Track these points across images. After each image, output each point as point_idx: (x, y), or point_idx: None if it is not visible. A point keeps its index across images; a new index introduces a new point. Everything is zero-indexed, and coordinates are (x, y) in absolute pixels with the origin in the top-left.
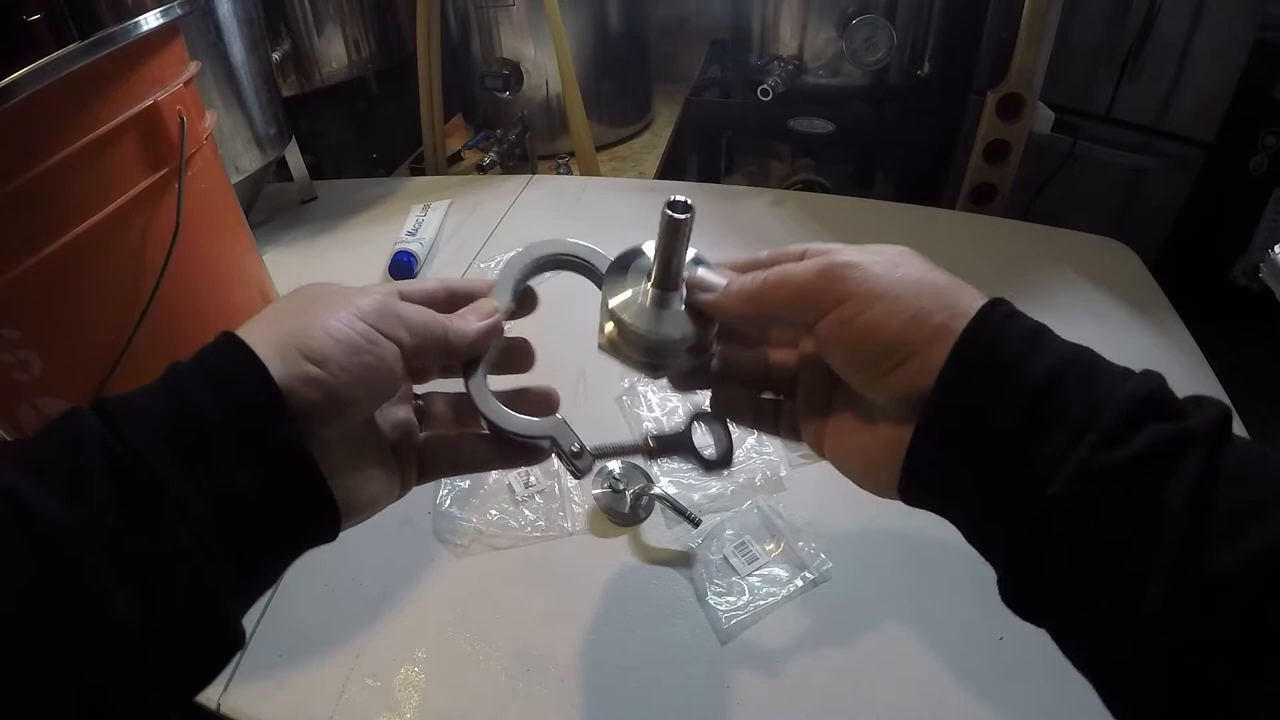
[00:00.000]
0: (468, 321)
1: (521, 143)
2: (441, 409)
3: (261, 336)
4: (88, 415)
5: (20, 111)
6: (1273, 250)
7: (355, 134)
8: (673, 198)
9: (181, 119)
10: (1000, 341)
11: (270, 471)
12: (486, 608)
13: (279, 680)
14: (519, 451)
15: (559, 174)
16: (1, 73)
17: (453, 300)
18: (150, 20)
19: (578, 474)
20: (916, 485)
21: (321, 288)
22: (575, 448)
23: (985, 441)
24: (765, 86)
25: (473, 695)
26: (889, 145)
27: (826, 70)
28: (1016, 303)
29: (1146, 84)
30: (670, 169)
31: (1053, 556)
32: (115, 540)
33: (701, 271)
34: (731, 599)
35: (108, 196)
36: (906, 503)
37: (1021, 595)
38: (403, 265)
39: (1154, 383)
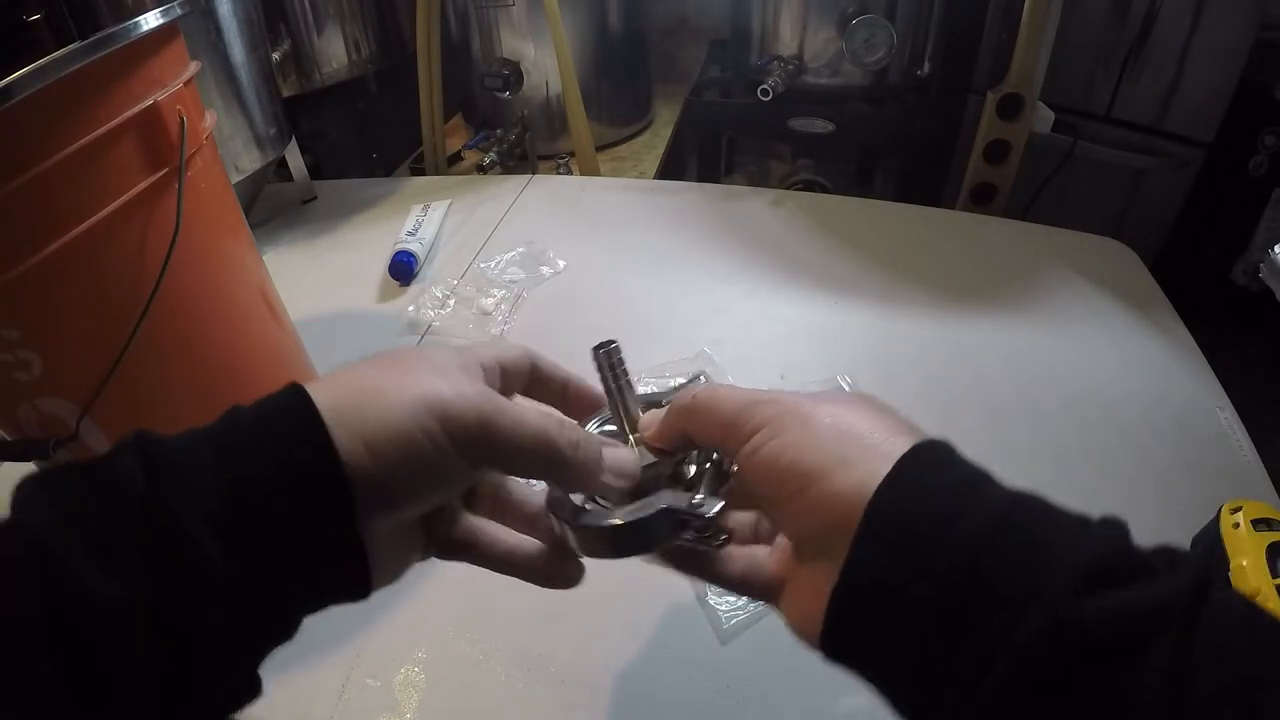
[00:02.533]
0: (599, 464)
1: (521, 143)
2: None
3: (324, 394)
4: (133, 470)
5: (20, 111)
6: (1273, 250)
7: (355, 134)
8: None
9: (181, 119)
10: (920, 498)
11: (317, 550)
12: (486, 608)
13: (279, 680)
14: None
15: (559, 174)
16: (1, 73)
17: (569, 402)
18: (150, 20)
19: (713, 538)
20: (835, 647)
21: (413, 360)
22: (697, 500)
23: (902, 622)
24: (765, 86)
25: (473, 695)
26: (889, 145)
27: (826, 70)
28: (1017, 303)
29: (1146, 84)
30: (670, 169)
31: None
32: (148, 609)
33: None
34: (731, 599)
35: (108, 196)
36: (829, 659)
37: None
38: (403, 265)
39: (1111, 543)
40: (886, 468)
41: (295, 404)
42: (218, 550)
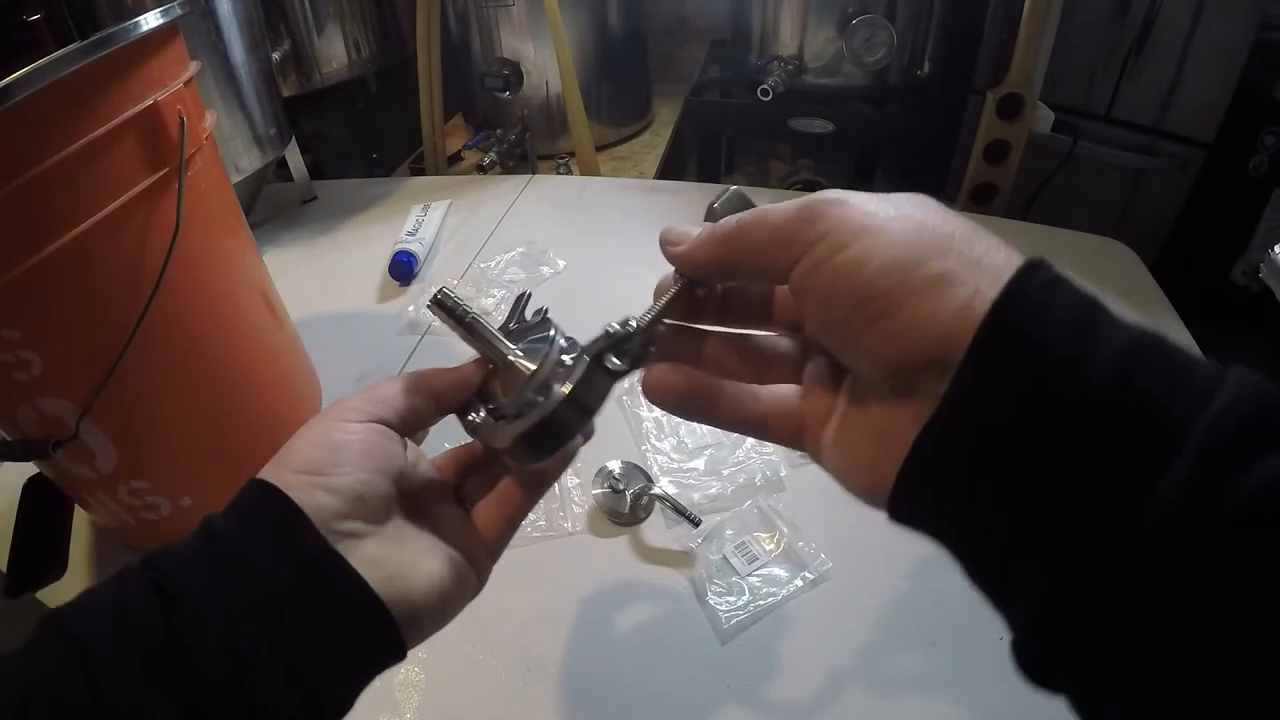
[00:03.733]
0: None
1: (521, 143)
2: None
3: (270, 476)
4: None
5: (20, 111)
6: (1273, 250)
7: (355, 134)
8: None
9: (181, 119)
10: (1044, 320)
11: (297, 570)
12: (486, 608)
13: None
14: (532, 444)
15: (559, 174)
16: (1, 73)
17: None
18: (150, 20)
19: (639, 362)
20: (914, 499)
21: (310, 423)
22: (633, 325)
23: (1024, 460)
24: (765, 86)
25: (473, 695)
26: (889, 145)
27: (826, 70)
28: None
29: (1146, 84)
30: (670, 169)
31: (1113, 623)
32: (152, 659)
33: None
34: (731, 599)
35: (108, 196)
36: (896, 519)
37: (1051, 659)
38: (403, 265)
39: (1262, 390)
40: (994, 286)
41: (248, 484)
42: (210, 592)
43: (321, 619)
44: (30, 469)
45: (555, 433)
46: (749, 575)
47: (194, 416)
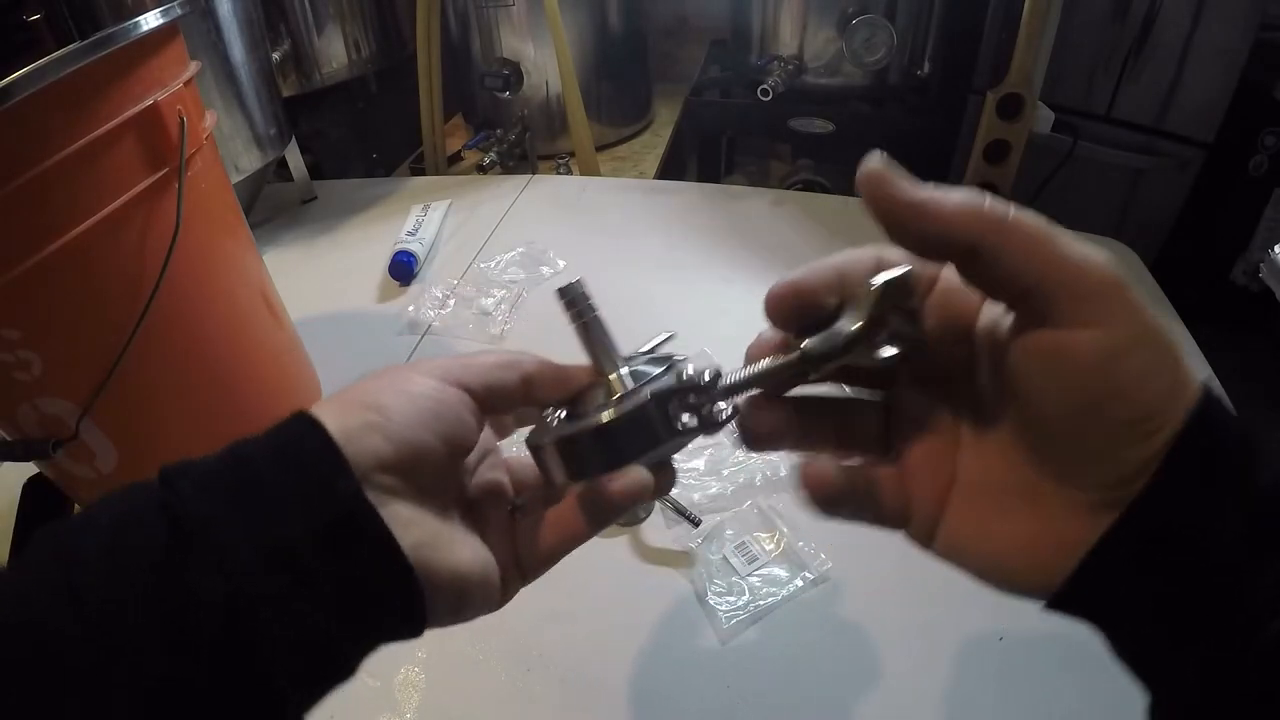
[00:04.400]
0: (538, 361)
1: (521, 143)
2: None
3: (326, 405)
4: (147, 487)
5: (20, 111)
6: (1273, 250)
7: (355, 134)
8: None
9: (181, 119)
10: (1226, 432)
11: (326, 521)
12: None
13: None
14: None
15: (559, 174)
16: (1, 73)
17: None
18: (150, 20)
19: (713, 426)
20: (1088, 594)
21: (390, 367)
22: (707, 377)
23: (1201, 557)
24: (765, 86)
25: (473, 695)
26: (889, 145)
27: (826, 70)
28: None
29: (1146, 84)
30: (670, 169)
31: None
32: (154, 589)
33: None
34: (731, 599)
35: (108, 196)
36: (1054, 608)
37: None
38: (403, 265)
39: None
40: (1185, 397)
41: (292, 415)
42: (222, 520)
43: (343, 580)
44: (30, 469)
45: (588, 454)
46: (749, 575)
47: (194, 416)
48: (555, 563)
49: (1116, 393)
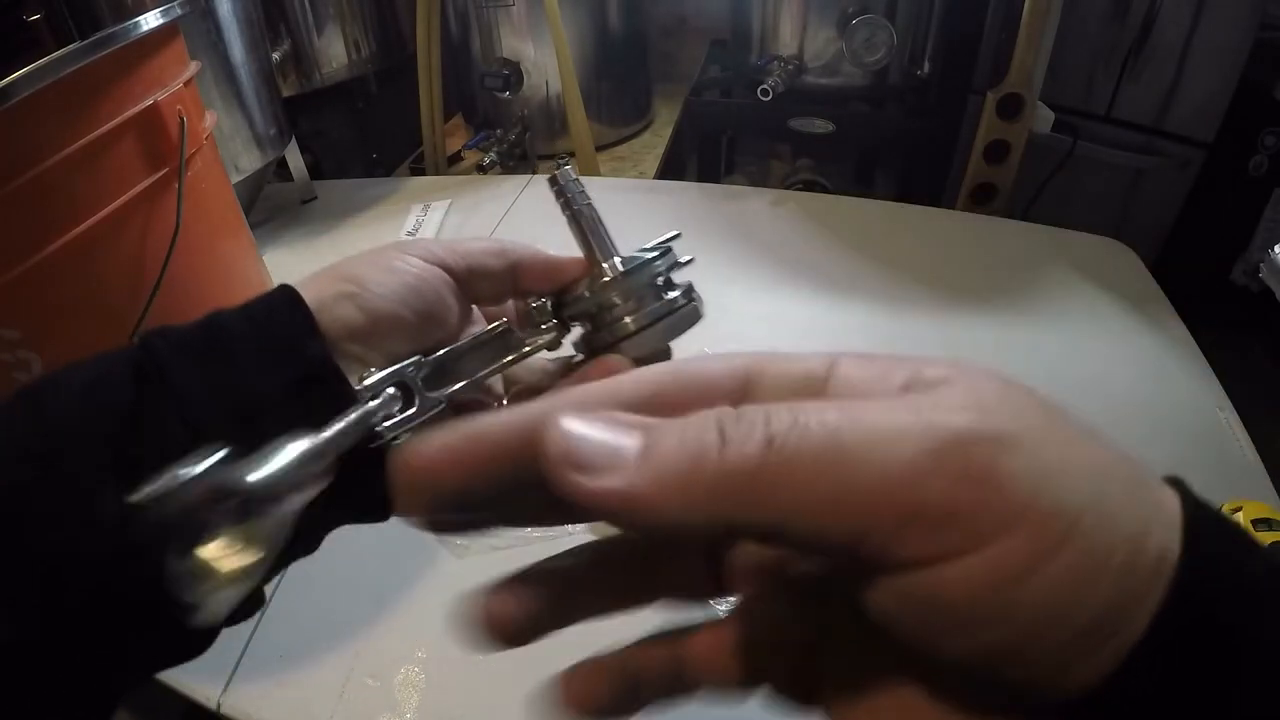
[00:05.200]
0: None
1: (521, 143)
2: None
3: (308, 279)
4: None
5: (20, 111)
6: (1273, 250)
7: (355, 134)
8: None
9: (181, 119)
10: (1224, 587)
11: (293, 379)
12: None
13: (279, 680)
14: None
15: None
16: (1, 73)
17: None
18: (150, 20)
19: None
20: None
21: (376, 248)
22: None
23: None
24: (765, 86)
25: (473, 695)
26: (889, 145)
27: (826, 70)
28: (1016, 303)
29: (1146, 84)
30: (670, 169)
31: None
32: (113, 438)
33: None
34: (733, 599)
35: (108, 196)
36: None
37: None
38: None
39: None
40: (1168, 532)
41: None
42: (186, 371)
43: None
44: None
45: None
46: None
47: None
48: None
49: (1031, 627)
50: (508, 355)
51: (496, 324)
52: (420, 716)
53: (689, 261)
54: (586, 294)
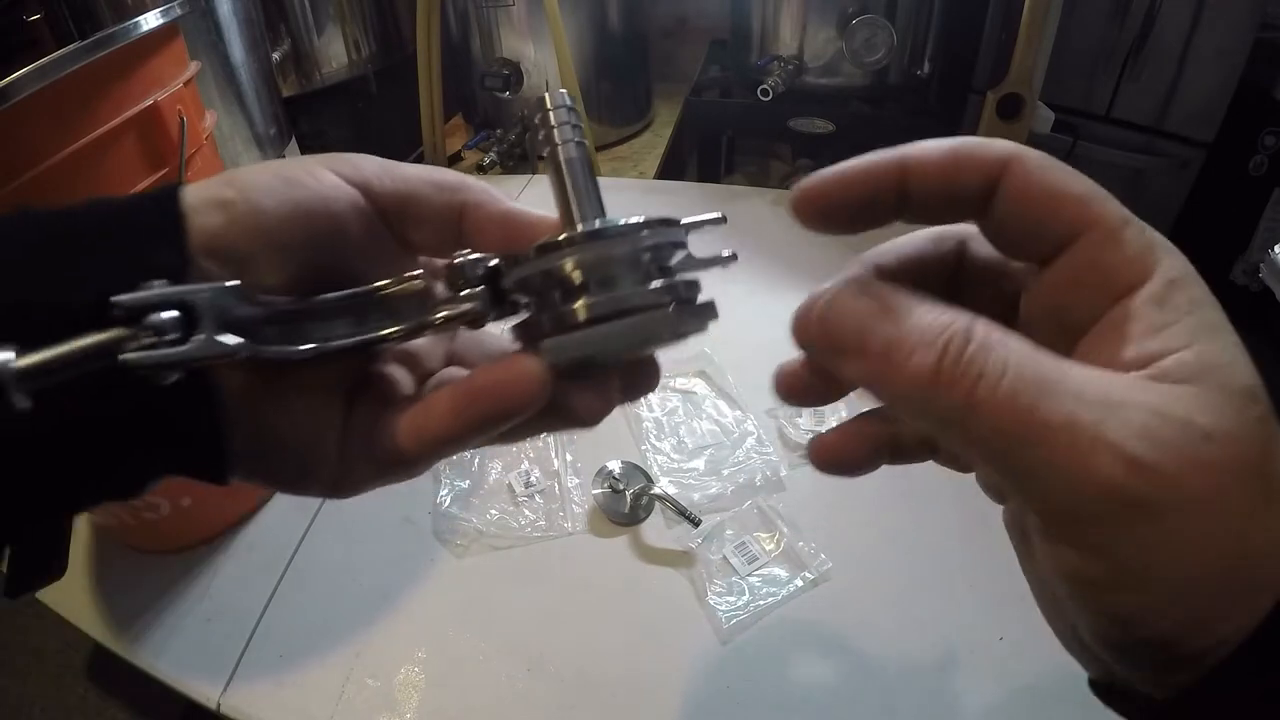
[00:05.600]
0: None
1: (521, 143)
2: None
3: (203, 180)
4: None
5: (20, 111)
6: (1273, 250)
7: (355, 134)
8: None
9: (181, 119)
10: None
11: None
12: (486, 608)
13: (279, 680)
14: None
15: None
16: (1, 73)
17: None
18: (150, 20)
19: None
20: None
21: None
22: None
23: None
24: (765, 86)
25: (473, 695)
26: (889, 145)
27: (826, 70)
28: None
29: (1146, 84)
30: (670, 169)
31: None
32: None
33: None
34: (731, 599)
35: None
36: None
37: None
38: None
39: None
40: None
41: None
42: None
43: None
44: None
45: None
46: (749, 575)
47: None
48: (414, 465)
49: (1124, 623)
50: (402, 324)
51: (409, 274)
52: (420, 716)
53: (727, 260)
54: (531, 255)
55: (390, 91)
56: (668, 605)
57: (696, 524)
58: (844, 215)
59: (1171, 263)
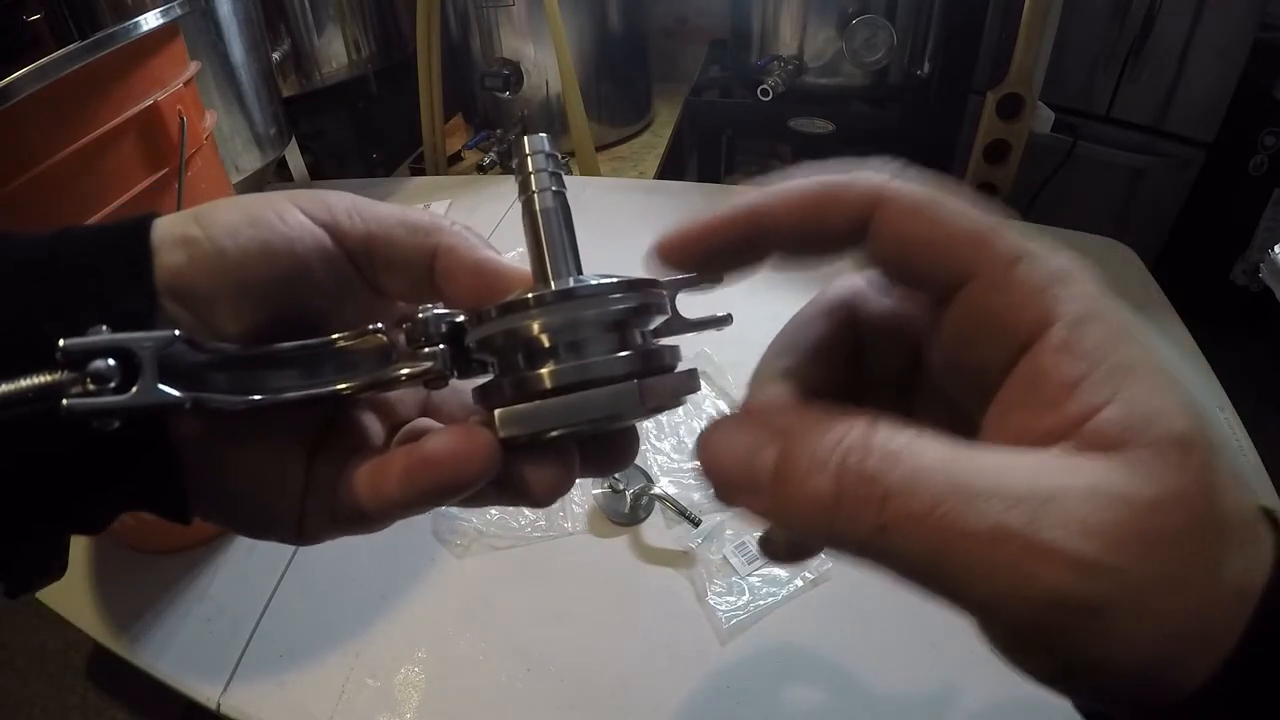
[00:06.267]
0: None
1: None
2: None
3: (178, 213)
4: None
5: (20, 111)
6: (1273, 250)
7: (355, 134)
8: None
9: (181, 119)
10: None
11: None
12: (486, 608)
13: (279, 680)
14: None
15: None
16: (1, 73)
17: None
18: (150, 20)
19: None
20: None
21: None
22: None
23: None
24: (765, 86)
25: (473, 695)
26: (889, 145)
27: (826, 70)
28: None
29: (1146, 84)
30: (670, 169)
31: None
32: None
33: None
34: (731, 599)
35: (108, 196)
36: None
37: None
38: None
39: None
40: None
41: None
42: None
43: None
44: None
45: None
46: (749, 575)
47: None
48: (374, 523)
49: (1089, 695)
50: (357, 379)
51: (370, 327)
52: (420, 716)
53: (720, 321)
54: (493, 314)
55: (390, 91)
56: (668, 605)
57: (696, 524)
58: (707, 264)
59: (1073, 295)
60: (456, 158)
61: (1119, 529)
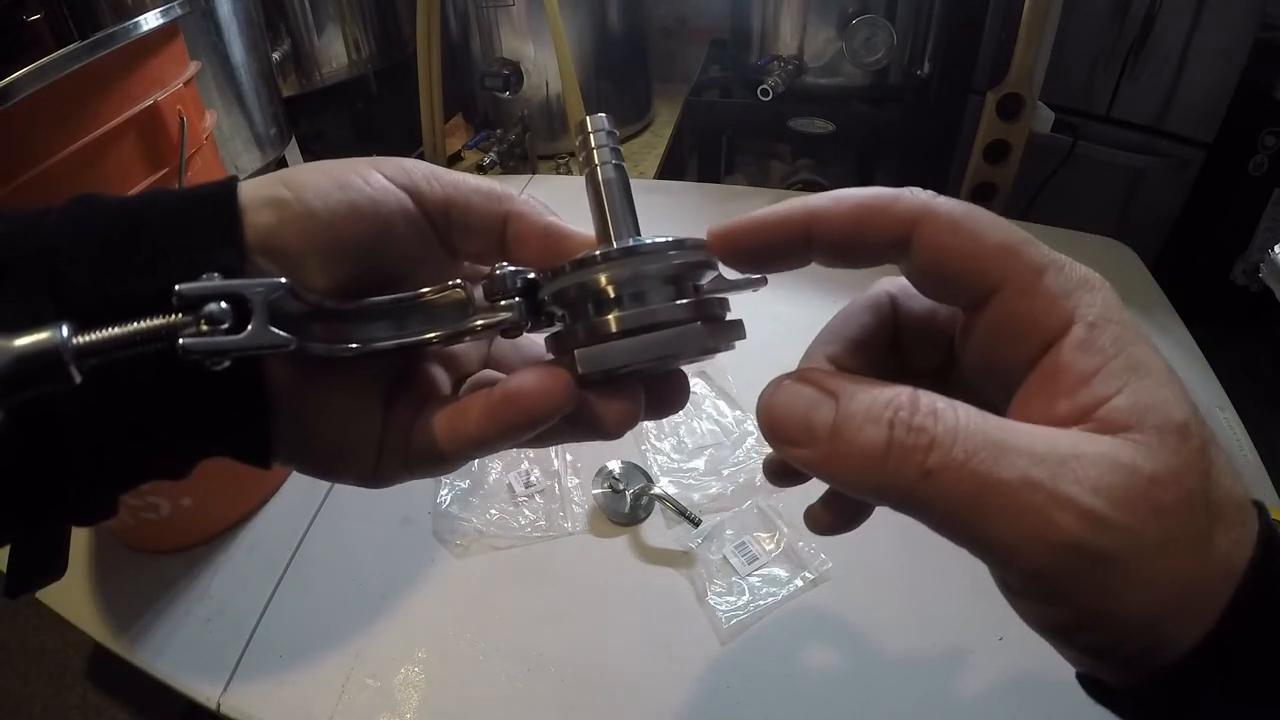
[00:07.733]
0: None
1: (521, 143)
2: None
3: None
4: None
5: (20, 111)
6: (1273, 250)
7: (355, 134)
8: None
9: (181, 119)
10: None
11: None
12: (486, 608)
13: (279, 680)
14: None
15: (559, 174)
16: (1, 73)
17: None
18: (150, 20)
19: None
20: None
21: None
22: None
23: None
24: (765, 86)
25: (473, 695)
26: (889, 145)
27: (826, 70)
28: None
29: (1146, 84)
30: (670, 169)
31: None
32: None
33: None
34: (731, 599)
35: None
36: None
37: None
38: None
39: None
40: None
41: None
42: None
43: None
44: None
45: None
46: (749, 575)
47: None
48: (448, 463)
49: (1094, 652)
50: (441, 330)
51: (451, 283)
52: (420, 716)
53: (756, 283)
54: (568, 269)
55: (390, 91)
56: (668, 605)
57: (696, 524)
58: (755, 257)
59: (1091, 302)
60: (456, 158)
61: (1125, 491)
